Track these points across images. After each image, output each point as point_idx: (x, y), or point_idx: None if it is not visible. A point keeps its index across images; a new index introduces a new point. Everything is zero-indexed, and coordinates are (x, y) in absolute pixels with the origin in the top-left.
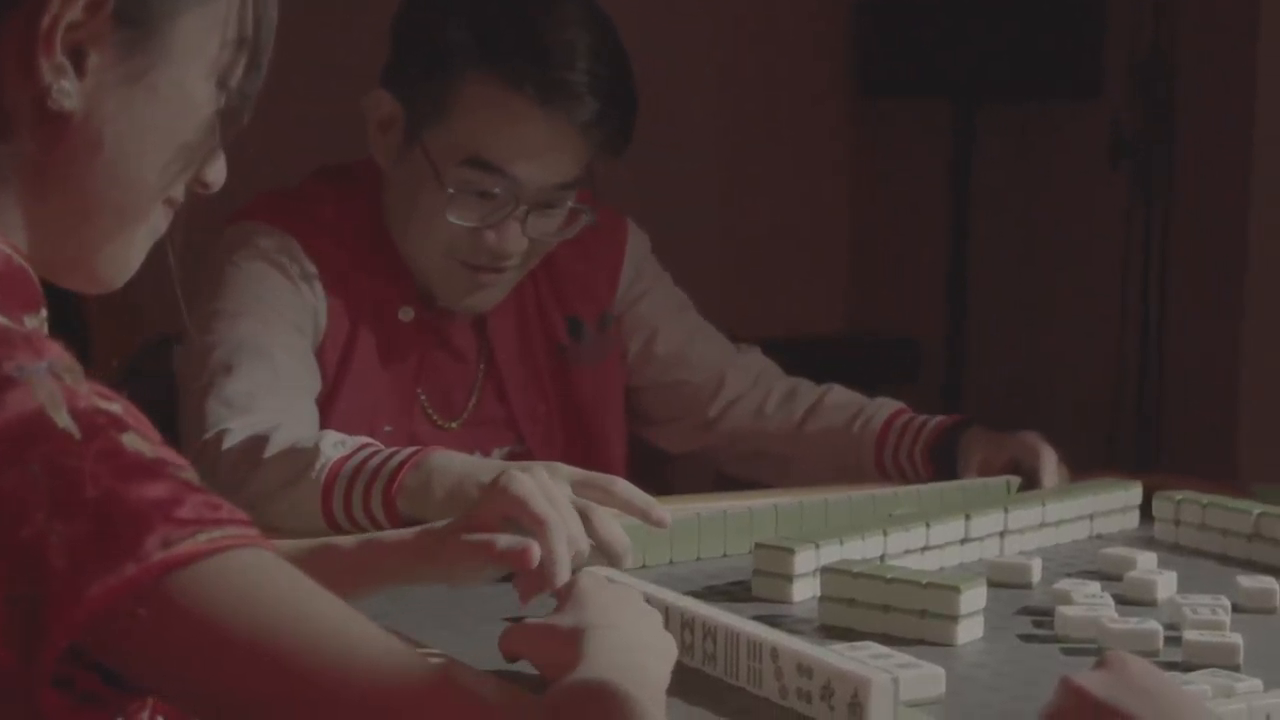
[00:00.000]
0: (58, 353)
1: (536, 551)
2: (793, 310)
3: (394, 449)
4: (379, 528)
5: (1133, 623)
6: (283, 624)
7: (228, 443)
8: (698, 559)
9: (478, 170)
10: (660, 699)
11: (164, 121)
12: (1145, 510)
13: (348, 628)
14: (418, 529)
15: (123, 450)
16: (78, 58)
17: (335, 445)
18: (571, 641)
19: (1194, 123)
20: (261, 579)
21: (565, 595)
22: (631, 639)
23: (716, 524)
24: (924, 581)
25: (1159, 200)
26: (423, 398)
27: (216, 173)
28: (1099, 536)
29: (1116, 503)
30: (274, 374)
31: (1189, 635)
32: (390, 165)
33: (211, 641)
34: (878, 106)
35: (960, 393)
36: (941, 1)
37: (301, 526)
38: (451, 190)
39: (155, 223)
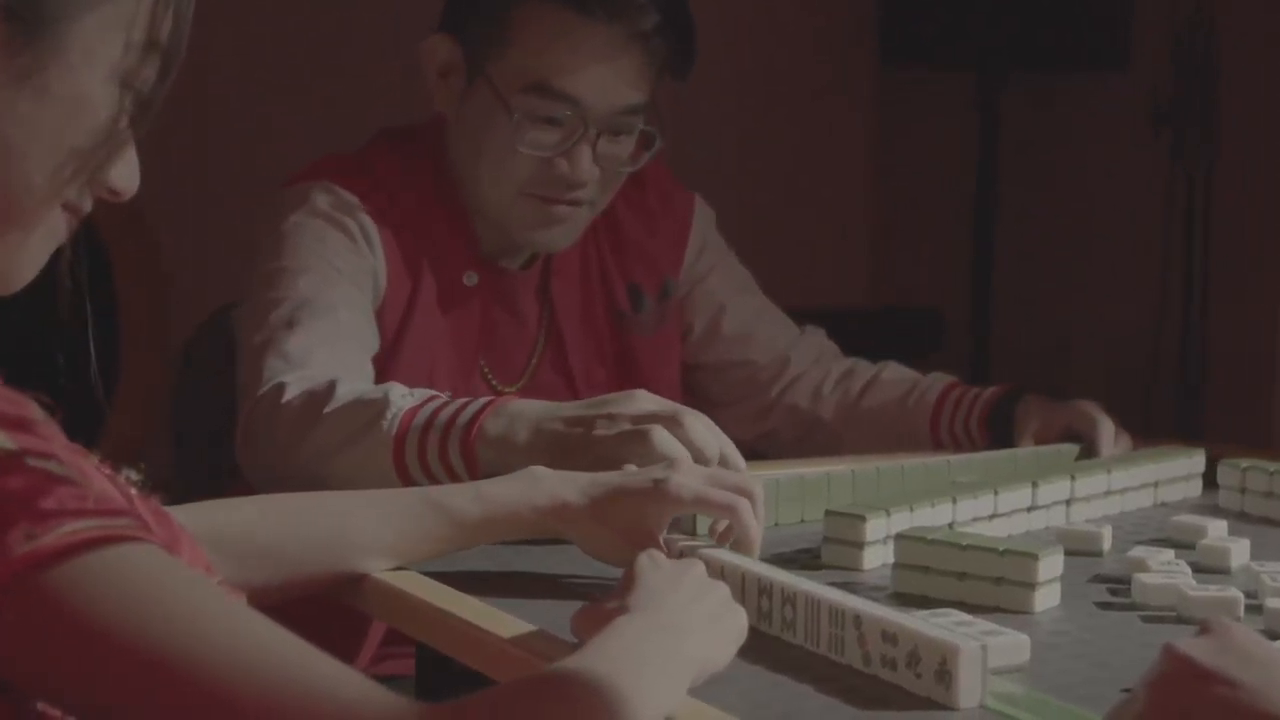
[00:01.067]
0: None
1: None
2: (817, 282)
3: (465, 399)
4: (454, 479)
5: (1212, 590)
6: (172, 626)
7: (286, 396)
8: (775, 525)
9: (543, 96)
10: (683, 679)
11: (54, 123)
12: (1207, 478)
13: (253, 638)
14: (547, 493)
15: None
16: None
17: (404, 396)
18: (601, 627)
19: (1234, 90)
20: (146, 579)
21: (624, 578)
22: (665, 623)
23: (794, 490)
24: (1001, 549)
25: (1200, 169)
26: (482, 362)
27: (126, 179)
28: (1163, 504)
29: (1180, 470)
30: (335, 330)
31: (1272, 603)
32: (454, 110)
33: (91, 642)
34: (903, 76)
35: (985, 364)
36: None
37: (365, 480)
38: (518, 116)
39: (53, 228)
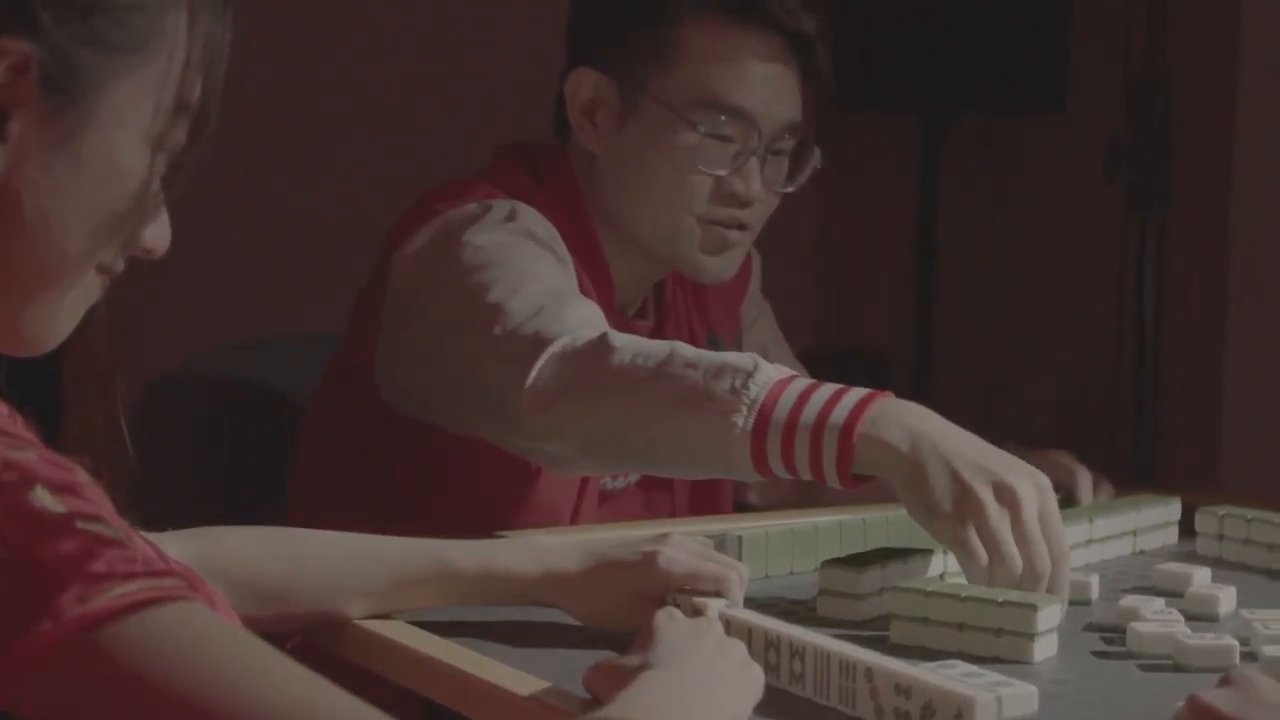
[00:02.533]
0: None
1: None
2: None
3: (835, 386)
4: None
5: (1208, 639)
6: (224, 684)
7: (615, 347)
8: (765, 576)
9: (715, 111)
10: None
11: (89, 189)
12: (1182, 525)
13: (304, 694)
14: (544, 563)
15: (30, 507)
16: None
17: (768, 366)
18: (626, 682)
19: (1178, 137)
20: (198, 638)
21: (643, 634)
22: (690, 679)
23: (783, 541)
24: (1000, 600)
25: (1154, 213)
26: None
27: (158, 237)
28: (1142, 552)
29: (1158, 518)
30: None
31: (1270, 650)
32: (607, 146)
33: (143, 701)
34: (846, 120)
35: (929, 405)
36: (910, 17)
37: (695, 450)
38: (703, 130)
39: (88, 289)
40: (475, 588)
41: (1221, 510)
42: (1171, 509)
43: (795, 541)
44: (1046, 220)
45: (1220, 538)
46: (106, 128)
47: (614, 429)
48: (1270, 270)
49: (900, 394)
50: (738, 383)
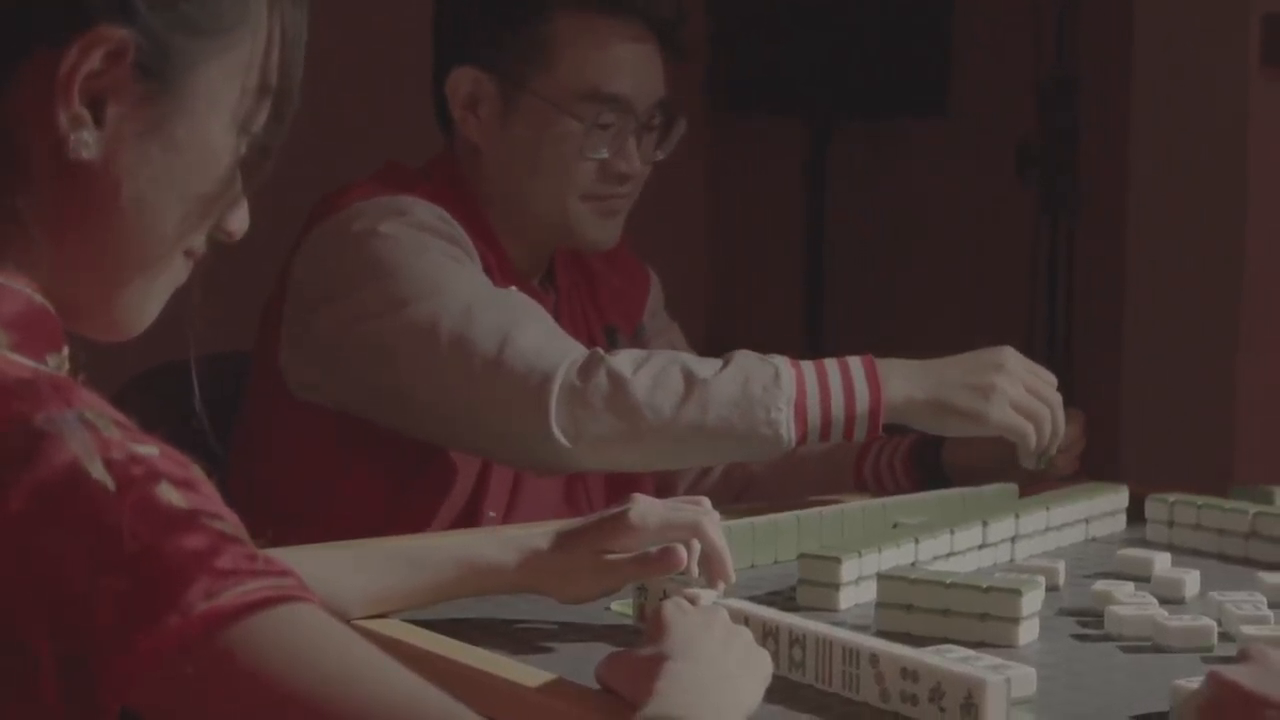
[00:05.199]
0: (86, 398)
1: (682, 554)
2: None
3: (832, 360)
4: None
5: (1186, 620)
6: (338, 686)
7: (597, 376)
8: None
9: (597, 101)
10: None
11: (183, 172)
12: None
13: (413, 695)
14: (517, 547)
15: (158, 502)
16: (97, 107)
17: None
18: (649, 674)
19: (1083, 139)
20: (316, 637)
21: (653, 625)
22: (710, 669)
23: (745, 536)
24: (985, 586)
25: (1064, 215)
26: None
27: (239, 221)
28: (1094, 539)
29: (1108, 506)
30: (540, 312)
31: (1246, 630)
32: (490, 136)
33: (263, 700)
34: (734, 122)
35: None
36: (796, 20)
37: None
38: (588, 124)
39: (175, 272)
40: (457, 583)
41: (1171, 498)
42: (1120, 497)
43: (756, 536)
44: (931, 220)
45: (1170, 524)
46: (198, 111)
47: (654, 459)
48: (1165, 273)
49: None
50: (767, 392)
